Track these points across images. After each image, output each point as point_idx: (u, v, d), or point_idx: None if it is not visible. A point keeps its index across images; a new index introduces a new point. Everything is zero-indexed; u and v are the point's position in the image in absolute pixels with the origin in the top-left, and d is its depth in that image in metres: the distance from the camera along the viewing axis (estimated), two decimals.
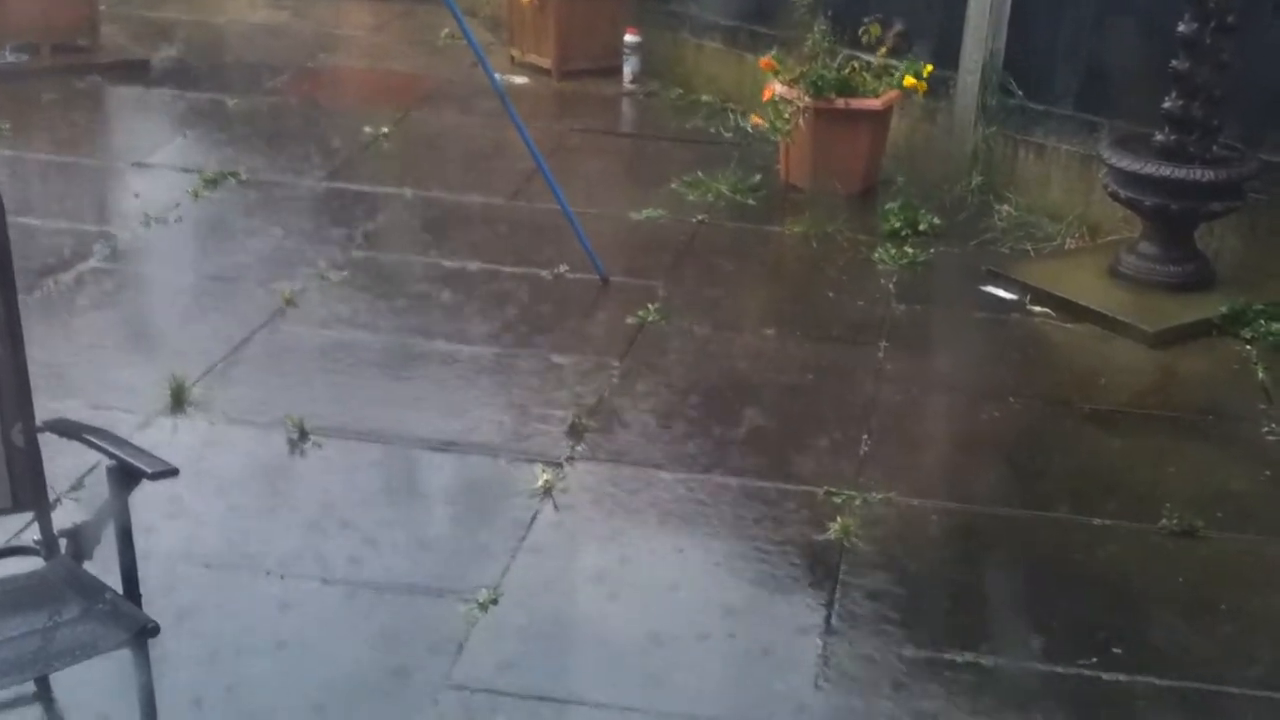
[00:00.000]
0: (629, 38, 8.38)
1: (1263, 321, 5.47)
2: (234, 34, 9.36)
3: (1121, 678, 3.58)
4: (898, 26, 6.78)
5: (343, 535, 4.02)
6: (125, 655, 2.85)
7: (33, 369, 3.08)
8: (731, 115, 7.78)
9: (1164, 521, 4.22)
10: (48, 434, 3.09)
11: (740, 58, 7.86)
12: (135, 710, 2.91)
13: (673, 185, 6.80)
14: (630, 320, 5.41)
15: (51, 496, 3.25)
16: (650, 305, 5.51)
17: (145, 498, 2.98)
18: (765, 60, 6.97)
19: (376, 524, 4.09)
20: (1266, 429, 4.84)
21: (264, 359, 5.03)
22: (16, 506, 3.08)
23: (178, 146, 7.19)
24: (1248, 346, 5.40)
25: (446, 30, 9.06)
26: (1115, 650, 3.67)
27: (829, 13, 7.05)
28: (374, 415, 4.65)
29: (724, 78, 8.07)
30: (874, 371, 5.14)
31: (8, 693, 3.13)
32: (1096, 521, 4.25)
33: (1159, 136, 5.66)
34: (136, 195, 6.47)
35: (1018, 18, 6.63)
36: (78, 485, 4.02)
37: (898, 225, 6.33)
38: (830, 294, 5.79)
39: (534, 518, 4.13)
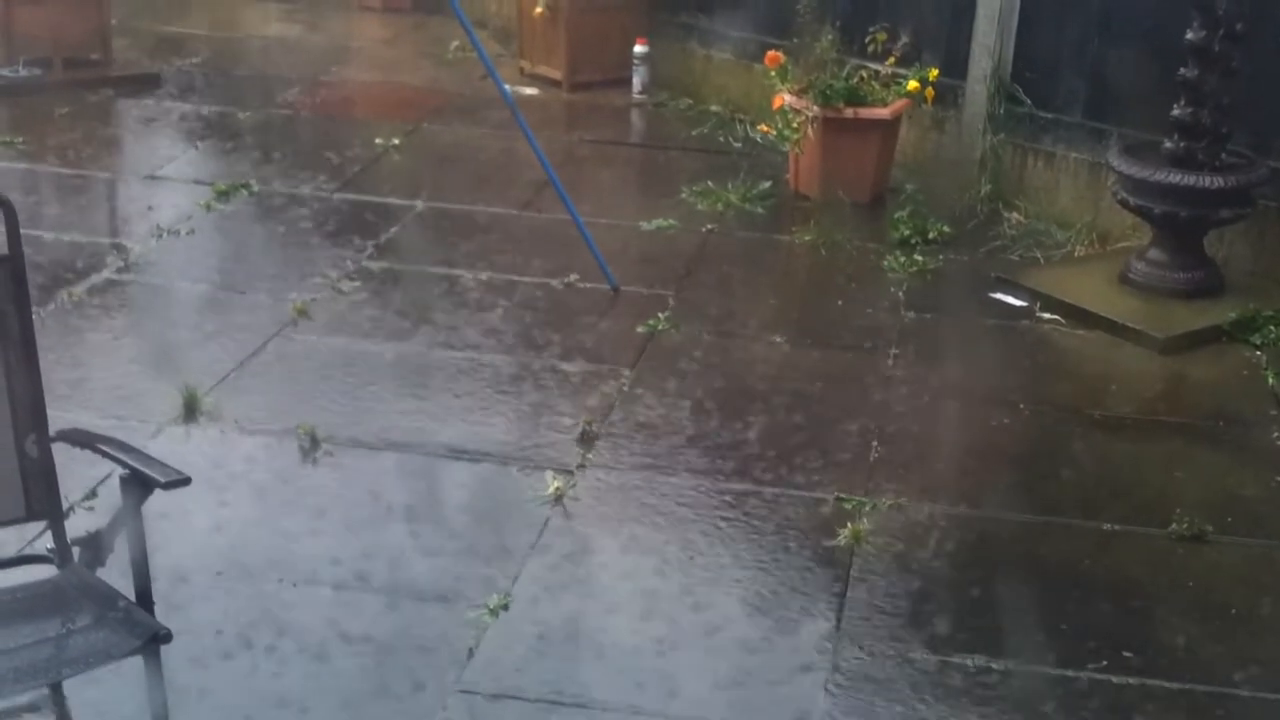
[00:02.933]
0: (638, 49, 8.41)
1: (1272, 328, 5.48)
2: (246, 47, 9.41)
3: (1131, 681, 3.58)
4: (903, 39, 6.80)
5: (354, 543, 4.04)
6: (138, 662, 2.87)
7: (46, 379, 3.11)
8: (740, 125, 7.80)
9: (1174, 527, 4.22)
10: (61, 443, 3.12)
11: (749, 68, 7.87)
12: (148, 717, 2.93)
13: (682, 195, 6.82)
14: (640, 329, 5.42)
15: (65, 505, 3.27)
16: (660, 314, 5.53)
17: (158, 506, 3.00)
18: (772, 54, 6.97)
19: (388, 532, 4.11)
20: (1276, 434, 4.84)
21: (276, 369, 5.05)
22: (30, 515, 3.11)
23: (190, 159, 7.23)
24: (1257, 353, 5.40)
25: (457, 43, 9.10)
26: (1125, 654, 3.68)
27: (837, 22, 7.08)
28: (385, 424, 4.67)
29: (733, 88, 8.10)
30: (884, 378, 5.15)
31: (22, 699, 3.15)
32: (1106, 527, 4.26)
33: (1168, 144, 5.67)
34: (149, 208, 6.50)
35: (1025, 26, 6.64)
36: (91, 494, 4.04)
37: (907, 233, 6.34)
38: (840, 302, 5.81)
39: (545, 524, 4.14)
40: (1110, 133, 6.31)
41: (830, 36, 6.96)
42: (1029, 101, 6.65)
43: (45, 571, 3.08)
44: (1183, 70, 5.55)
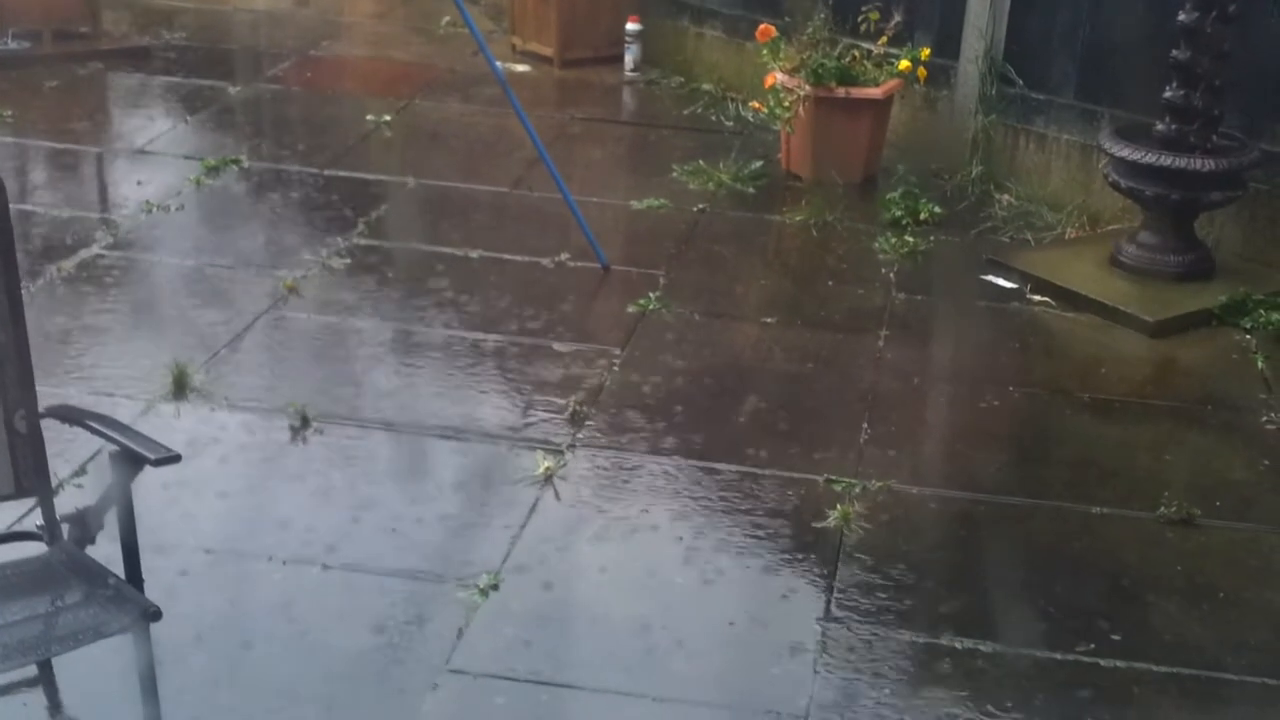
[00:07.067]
0: (630, 26, 8.38)
1: (1262, 311, 5.48)
2: (236, 21, 9.37)
3: (1119, 664, 3.60)
4: (895, 18, 6.78)
5: (343, 522, 4.04)
6: (127, 639, 2.87)
7: (35, 355, 3.09)
8: (732, 104, 7.79)
9: (1162, 510, 4.23)
10: (50, 420, 3.11)
11: (741, 46, 7.86)
12: (137, 694, 2.93)
13: (674, 174, 6.81)
14: (631, 308, 5.42)
15: (54, 482, 3.27)
16: (651, 293, 5.52)
17: (148, 483, 2.99)
18: (763, 27, 6.94)
19: (377, 510, 4.11)
20: (1265, 418, 4.85)
21: (266, 346, 5.04)
22: (19, 492, 3.09)
23: (179, 133, 7.20)
24: (1247, 336, 5.41)
25: (448, 18, 9.07)
26: (1113, 637, 3.69)
27: (829, 1, 7.06)
28: (375, 402, 4.66)
29: (725, 66, 8.08)
30: (874, 360, 5.15)
31: (10, 676, 3.16)
32: (1095, 510, 4.26)
33: (1159, 126, 5.66)
34: (139, 182, 6.48)
35: (1018, 7, 6.62)
36: (80, 471, 4.03)
37: (898, 214, 6.34)
38: (830, 282, 5.80)
39: (535, 504, 4.14)
40: (1102, 114, 6.31)
41: (822, 15, 6.95)
42: (1021, 82, 6.64)
43: (34, 549, 3.08)
44: (1175, 52, 5.55)
